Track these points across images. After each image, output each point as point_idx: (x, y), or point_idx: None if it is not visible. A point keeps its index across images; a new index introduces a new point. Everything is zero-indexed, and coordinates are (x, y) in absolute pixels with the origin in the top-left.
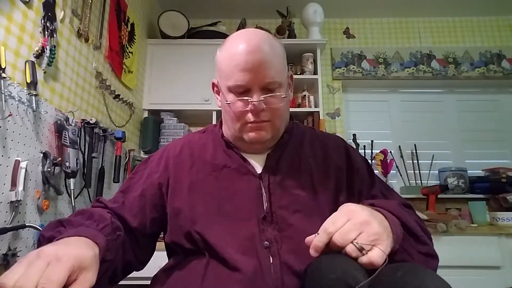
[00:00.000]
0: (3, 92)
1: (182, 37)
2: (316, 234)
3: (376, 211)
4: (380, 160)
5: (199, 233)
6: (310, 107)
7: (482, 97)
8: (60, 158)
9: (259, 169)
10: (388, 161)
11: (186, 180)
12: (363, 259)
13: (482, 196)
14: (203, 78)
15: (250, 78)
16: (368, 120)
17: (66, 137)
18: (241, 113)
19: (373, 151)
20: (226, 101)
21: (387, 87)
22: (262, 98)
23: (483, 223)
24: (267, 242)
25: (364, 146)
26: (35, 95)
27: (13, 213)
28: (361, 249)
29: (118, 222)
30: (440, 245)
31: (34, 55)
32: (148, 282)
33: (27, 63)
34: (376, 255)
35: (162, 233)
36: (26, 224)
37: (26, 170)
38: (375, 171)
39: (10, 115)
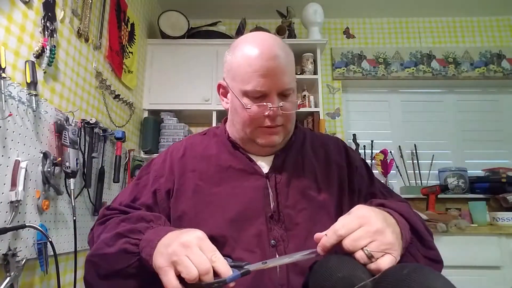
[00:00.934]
0: (3, 92)
1: (182, 37)
2: (325, 233)
3: (387, 213)
4: (380, 160)
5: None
6: (310, 107)
7: (482, 97)
8: (60, 158)
9: (265, 169)
10: (388, 161)
11: (190, 183)
12: (372, 266)
13: (482, 196)
14: (203, 78)
15: (269, 84)
16: (368, 120)
17: (66, 137)
18: (257, 118)
19: (373, 151)
20: (246, 105)
21: (387, 87)
22: (282, 104)
23: (483, 223)
24: (274, 241)
25: (364, 146)
26: (35, 95)
27: (13, 213)
28: (370, 257)
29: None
30: (440, 245)
31: (34, 55)
32: None
33: (27, 63)
34: (387, 262)
35: None
36: (26, 224)
37: (26, 170)
38: (375, 171)
39: (10, 115)
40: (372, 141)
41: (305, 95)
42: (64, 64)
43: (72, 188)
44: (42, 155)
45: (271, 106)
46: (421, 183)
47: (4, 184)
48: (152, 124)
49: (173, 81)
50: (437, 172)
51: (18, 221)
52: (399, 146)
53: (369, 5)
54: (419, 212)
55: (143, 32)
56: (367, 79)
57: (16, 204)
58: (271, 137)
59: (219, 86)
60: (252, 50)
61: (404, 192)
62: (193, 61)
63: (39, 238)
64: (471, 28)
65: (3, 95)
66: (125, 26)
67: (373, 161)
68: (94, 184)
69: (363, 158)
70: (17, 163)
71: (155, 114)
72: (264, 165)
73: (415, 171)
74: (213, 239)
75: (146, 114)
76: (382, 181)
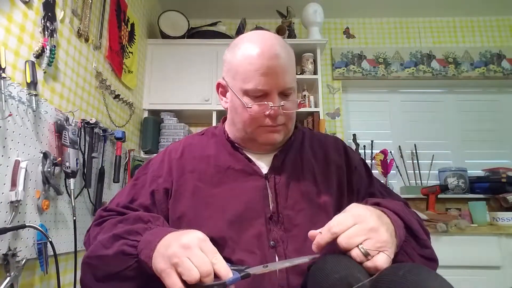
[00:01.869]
0: (3, 92)
1: (182, 37)
2: (320, 231)
3: (382, 212)
4: (380, 160)
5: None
6: (310, 107)
7: (482, 97)
8: (60, 158)
9: (264, 170)
10: (388, 161)
11: (189, 183)
12: (368, 264)
13: (482, 196)
14: (203, 78)
15: (271, 83)
16: (368, 120)
17: (66, 137)
18: (257, 117)
19: (373, 151)
20: (246, 104)
21: (387, 87)
22: (283, 104)
23: (483, 223)
24: (273, 242)
25: (364, 146)
26: (35, 95)
27: (13, 213)
28: (366, 255)
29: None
30: (440, 245)
31: (34, 55)
32: None
33: (27, 63)
34: (383, 260)
35: None
36: (26, 224)
37: (26, 170)
38: (375, 171)
39: (10, 115)
40: (372, 141)
41: (305, 95)
42: (64, 64)
43: (72, 188)
44: (42, 155)
45: (272, 105)
46: (421, 183)
47: (4, 184)
48: (152, 124)
49: (173, 81)
50: (437, 172)
51: (18, 221)
52: (399, 146)
53: (369, 5)
54: (419, 212)
55: (143, 32)
56: (367, 79)
57: (16, 204)
58: (272, 136)
59: (218, 85)
60: (253, 48)
61: (404, 192)
62: (193, 61)
63: (39, 238)
64: (471, 28)
65: (3, 95)
66: (125, 26)
67: (373, 161)
68: (94, 184)
69: (363, 158)
70: (17, 163)
71: (155, 114)
72: (263, 166)
73: (415, 171)
74: (212, 240)
75: (146, 114)
76: (382, 181)
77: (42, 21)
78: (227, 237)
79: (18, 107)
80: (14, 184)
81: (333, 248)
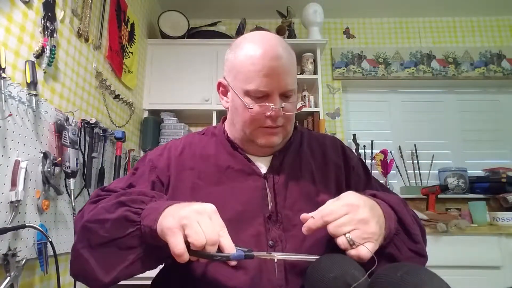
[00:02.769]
0: (3, 92)
1: (182, 37)
2: (312, 215)
3: (376, 203)
4: (380, 160)
5: None
6: (310, 107)
7: (482, 97)
8: (60, 158)
9: (263, 170)
10: (388, 161)
11: (188, 181)
12: (352, 252)
13: (482, 196)
14: (203, 78)
15: (272, 85)
16: (368, 120)
17: (66, 137)
18: (258, 118)
19: (373, 151)
20: (248, 105)
21: (387, 87)
22: (284, 105)
23: (483, 223)
24: (272, 241)
25: (364, 146)
26: (35, 95)
27: (13, 213)
28: (351, 243)
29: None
30: (440, 245)
31: (34, 55)
32: (149, 282)
33: (27, 63)
34: (366, 251)
35: None
36: (26, 224)
37: (26, 170)
38: (375, 171)
39: (10, 115)
40: (372, 141)
41: (305, 95)
42: (64, 64)
43: (72, 188)
44: (42, 155)
45: (273, 106)
46: (421, 183)
47: (4, 184)
48: (152, 124)
49: (173, 81)
50: (437, 172)
51: (18, 221)
52: (399, 146)
53: (369, 5)
54: (419, 212)
55: (143, 32)
56: (367, 79)
57: (16, 204)
58: (271, 138)
59: (219, 84)
60: (255, 49)
61: (404, 192)
62: (193, 61)
63: (39, 238)
64: (471, 28)
65: (3, 95)
66: (125, 26)
67: (373, 161)
68: (94, 184)
69: (362, 158)
70: (17, 163)
71: (155, 114)
72: (262, 166)
73: (415, 171)
74: None
75: (146, 114)
76: (382, 181)
77: (42, 21)
78: None
79: (18, 107)
80: (14, 184)
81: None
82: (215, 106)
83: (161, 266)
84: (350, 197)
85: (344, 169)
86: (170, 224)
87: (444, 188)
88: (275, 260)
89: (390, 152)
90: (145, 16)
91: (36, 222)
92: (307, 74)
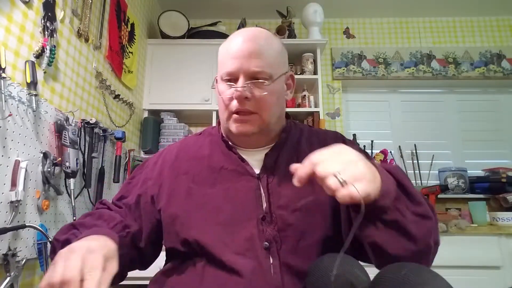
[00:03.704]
0: (3, 92)
1: (182, 37)
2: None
3: (371, 164)
4: (380, 160)
5: (195, 238)
6: (310, 107)
7: (482, 97)
8: (60, 158)
9: (257, 170)
10: (388, 161)
11: (183, 185)
12: (344, 191)
13: (482, 196)
14: (203, 78)
15: (238, 65)
16: (368, 120)
17: (66, 137)
18: (228, 101)
19: (373, 151)
20: (220, 90)
21: (387, 87)
22: (247, 86)
23: (483, 223)
24: (266, 243)
25: (364, 146)
26: (35, 95)
27: (13, 213)
28: (342, 183)
29: (127, 221)
30: (440, 245)
31: (34, 55)
32: (147, 282)
33: (27, 63)
34: (357, 189)
35: None
36: (26, 224)
37: (26, 170)
38: None
39: (10, 115)
40: (372, 141)
41: (305, 95)
42: (64, 64)
43: (72, 188)
44: (42, 155)
45: (234, 86)
46: (421, 183)
47: (4, 184)
48: (152, 124)
49: (173, 81)
50: (437, 172)
51: (18, 221)
52: (399, 146)
53: (369, 5)
54: None
55: (143, 32)
56: (367, 79)
57: (16, 204)
58: (242, 126)
59: (215, 80)
60: (232, 38)
61: None
62: (193, 61)
63: (39, 238)
64: (471, 28)
65: (3, 95)
66: (125, 26)
67: None
68: (94, 184)
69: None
70: (17, 163)
71: (155, 114)
72: (255, 165)
73: (415, 171)
74: (202, 245)
75: (146, 114)
76: None
77: (42, 21)
78: (219, 240)
79: (18, 107)
80: (14, 184)
81: (315, 182)
82: (215, 106)
83: (157, 269)
84: (340, 146)
85: None
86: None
87: (444, 188)
88: (271, 262)
89: (390, 152)
90: (145, 16)
91: (36, 222)
92: (307, 74)
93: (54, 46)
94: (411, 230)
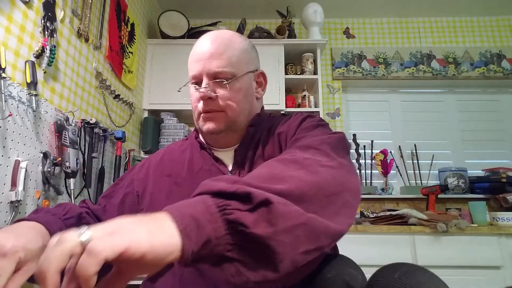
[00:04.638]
0: (3, 92)
1: (182, 37)
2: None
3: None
4: (380, 160)
5: None
6: (310, 107)
7: (482, 97)
8: (60, 158)
9: (230, 167)
10: (388, 161)
11: (164, 187)
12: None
13: (482, 196)
14: None
15: (200, 68)
16: (368, 120)
17: (66, 137)
18: (196, 103)
19: (373, 151)
20: (190, 93)
21: (387, 87)
22: (207, 85)
23: (483, 223)
24: None
25: (364, 146)
26: (35, 95)
27: (13, 213)
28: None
29: (93, 220)
30: (440, 245)
31: (34, 55)
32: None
33: (27, 63)
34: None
35: None
36: None
37: (26, 170)
38: (375, 171)
39: (10, 115)
40: (372, 141)
41: (305, 95)
42: (64, 64)
43: (72, 188)
44: (42, 155)
45: (196, 87)
46: (421, 183)
47: (4, 184)
48: (152, 124)
49: (173, 81)
50: (437, 172)
51: None
52: (399, 146)
53: (369, 5)
54: (419, 212)
55: (143, 32)
56: (367, 79)
57: (16, 204)
58: (209, 124)
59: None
60: (198, 41)
61: (404, 192)
62: None
63: None
64: (471, 28)
65: (3, 95)
66: (125, 26)
67: (373, 161)
68: (94, 184)
69: (362, 158)
70: (17, 163)
71: (155, 114)
72: (230, 163)
73: (415, 171)
74: None
75: (146, 114)
76: (382, 181)
77: (42, 21)
78: None
79: (18, 107)
80: (14, 184)
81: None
82: None
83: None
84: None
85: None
86: None
87: (444, 188)
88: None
89: (390, 152)
90: (145, 16)
91: None
92: (307, 74)
93: (54, 46)
94: (275, 249)
